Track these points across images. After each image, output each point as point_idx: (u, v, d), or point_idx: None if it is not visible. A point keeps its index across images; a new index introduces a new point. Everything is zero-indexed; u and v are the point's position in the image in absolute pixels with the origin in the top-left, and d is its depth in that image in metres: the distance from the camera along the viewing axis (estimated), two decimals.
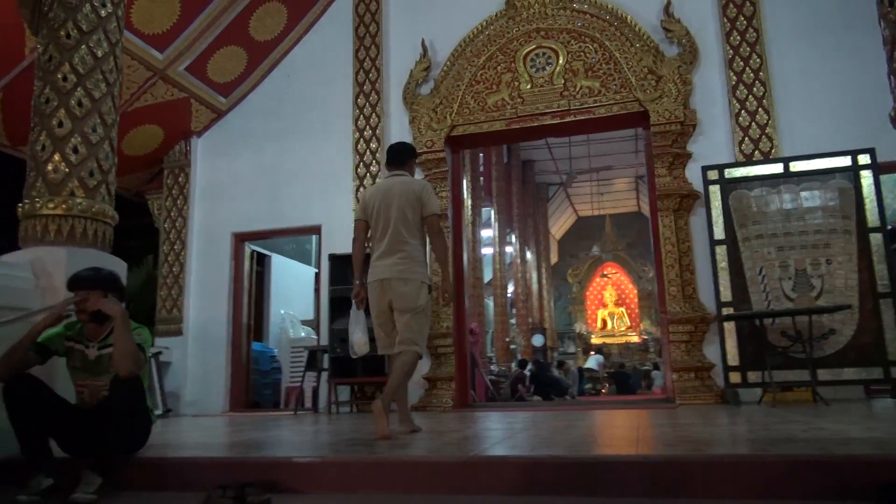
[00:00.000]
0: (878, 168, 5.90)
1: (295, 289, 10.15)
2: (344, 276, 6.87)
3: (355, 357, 4.07)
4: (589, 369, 15.78)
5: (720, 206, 6.17)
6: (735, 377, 5.88)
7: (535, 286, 17.99)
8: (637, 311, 22.54)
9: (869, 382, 5.76)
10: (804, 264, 5.93)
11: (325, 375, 7.19)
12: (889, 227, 5.92)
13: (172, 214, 8.05)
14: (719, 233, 6.13)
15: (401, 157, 4.14)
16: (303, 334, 9.00)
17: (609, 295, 22.54)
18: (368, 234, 4.08)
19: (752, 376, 5.83)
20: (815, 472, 2.14)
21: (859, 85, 6.41)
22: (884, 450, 2.31)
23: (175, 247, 7.94)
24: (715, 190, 6.21)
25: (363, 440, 3.42)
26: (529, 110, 7.15)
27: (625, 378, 16.81)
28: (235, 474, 2.62)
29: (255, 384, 8.35)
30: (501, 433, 3.65)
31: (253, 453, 3.06)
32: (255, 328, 8.72)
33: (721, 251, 6.10)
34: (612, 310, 22.48)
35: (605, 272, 22.30)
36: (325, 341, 7.16)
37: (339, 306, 6.74)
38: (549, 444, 3.01)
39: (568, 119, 7.08)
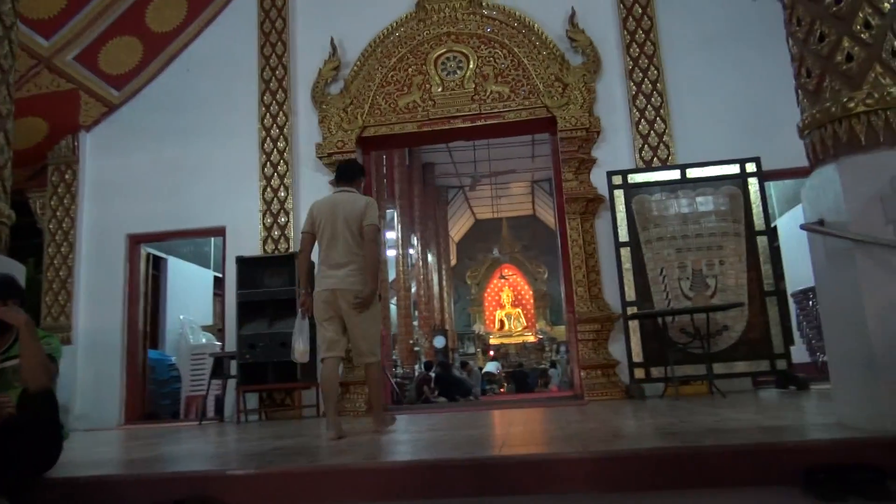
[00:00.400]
0: (762, 175, 6.38)
1: (193, 293, 9.69)
2: (252, 279, 6.64)
3: (297, 362, 4.36)
4: (488, 373, 16.06)
5: (624, 209, 6.46)
6: (640, 373, 6.17)
7: (436, 288, 18.11)
8: (533, 311, 23.22)
9: (757, 374, 6.21)
10: (700, 265, 6.32)
11: (231, 383, 6.91)
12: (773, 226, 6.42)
13: (59, 214, 7.45)
14: (623, 235, 6.42)
15: (351, 174, 4.35)
16: (203, 340, 8.59)
17: (506, 296, 23.09)
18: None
19: (655, 371, 6.14)
20: (745, 461, 2.29)
21: (746, 97, 6.90)
22: (802, 436, 2.50)
23: (62, 249, 7.35)
24: (619, 194, 6.50)
25: (293, 449, 3.30)
26: (441, 113, 7.19)
27: (523, 377, 17.26)
28: (165, 491, 2.47)
29: (151, 394, 7.87)
30: (439, 434, 3.63)
31: (178, 467, 2.88)
32: (150, 335, 8.23)
33: (625, 253, 6.39)
34: (509, 311, 23.01)
35: (503, 274, 22.79)
36: (231, 347, 6.88)
37: (248, 311, 6.50)
38: (501, 444, 3.03)
39: (479, 123, 7.18)
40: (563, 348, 18.84)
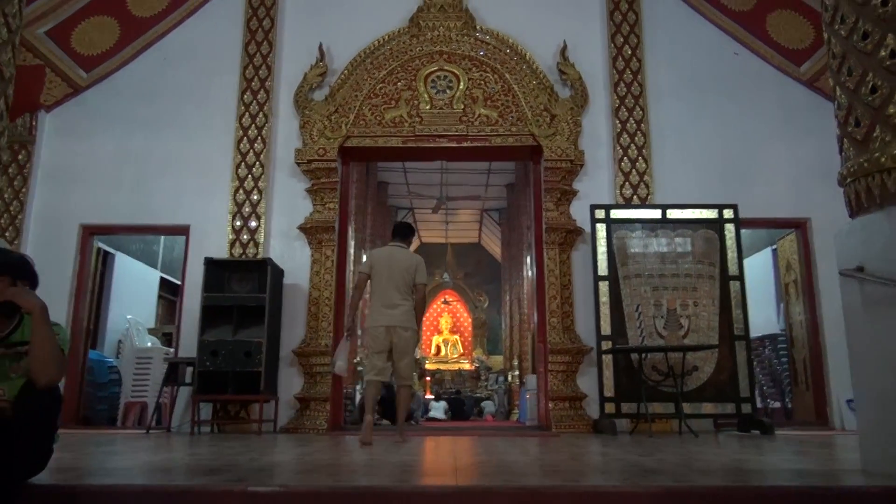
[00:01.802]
0: (739, 222, 6.57)
1: (137, 293, 9.15)
2: (220, 283, 6.31)
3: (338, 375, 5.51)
4: (433, 418, 15.71)
5: (605, 243, 6.50)
6: (610, 407, 6.16)
7: None
8: (471, 339, 23.19)
9: (724, 416, 6.30)
10: (675, 304, 6.41)
11: (183, 391, 6.51)
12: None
13: (7, 196, 6.90)
14: (603, 269, 6.46)
15: (405, 233, 5.50)
16: (149, 344, 8.09)
17: (445, 322, 23.00)
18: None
19: (626, 407, 6.15)
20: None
21: (723, 146, 7.14)
22: (837, 481, 2.48)
23: (6, 234, 6.80)
24: (601, 228, 6.54)
25: (316, 464, 3.07)
26: (427, 131, 7.10)
27: (460, 404, 17.12)
28: None
29: (87, 398, 7.32)
30: (443, 459, 3.47)
31: (178, 480, 2.62)
32: (92, 334, 7.69)
33: (604, 287, 6.42)
34: (446, 336, 22.91)
35: (446, 299, 22.73)
36: (187, 353, 6.49)
37: (213, 316, 6.15)
38: (516, 474, 2.89)
39: (464, 144, 7.13)
40: (500, 378, 18.84)
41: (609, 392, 6.21)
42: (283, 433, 6.33)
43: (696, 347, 6.01)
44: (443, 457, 3.62)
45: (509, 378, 17.41)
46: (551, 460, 3.35)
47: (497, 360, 21.79)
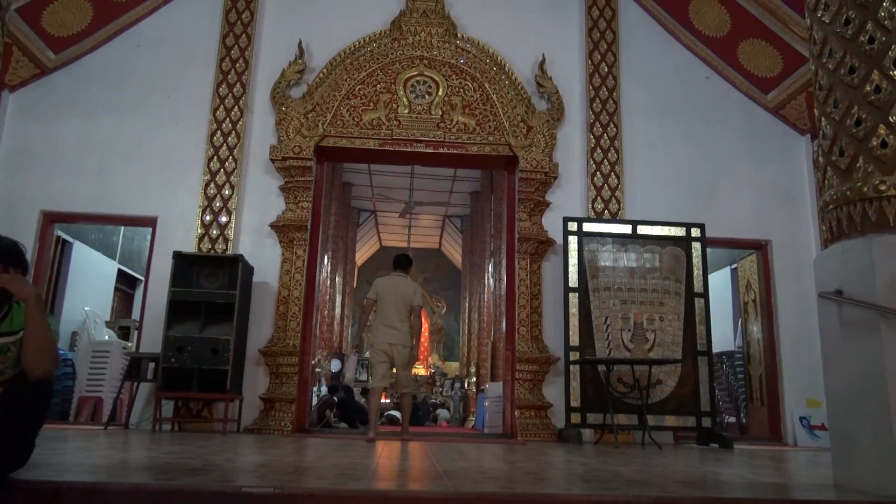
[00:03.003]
0: (705, 241, 6.75)
1: (95, 284, 8.88)
2: (188, 277, 6.17)
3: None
4: (391, 415, 15.67)
5: (577, 256, 6.60)
6: (576, 417, 6.25)
7: (338, 311, 17.71)
8: (427, 344, 23.18)
9: (685, 429, 6.46)
10: (642, 318, 6.55)
11: (143, 387, 6.34)
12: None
13: None
14: (574, 281, 6.55)
15: (406, 264, 6.51)
16: (106, 337, 7.85)
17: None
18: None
19: (591, 417, 6.25)
20: None
21: (691, 166, 7.34)
22: (839, 497, 2.58)
23: None
24: (573, 240, 6.64)
25: (300, 466, 3.03)
26: (405, 135, 7.11)
27: (415, 410, 17.09)
28: None
29: None
30: (424, 464, 3.46)
31: (160, 479, 2.56)
32: None
33: (574, 298, 6.51)
34: (419, 337, 22.82)
35: None
36: (149, 348, 6.33)
37: (180, 311, 6.01)
38: (496, 480, 2.92)
39: (441, 150, 7.16)
40: (456, 384, 18.88)
41: (575, 402, 6.29)
42: (246, 433, 6.23)
43: (661, 361, 6.16)
44: (421, 462, 3.61)
45: (465, 385, 17.46)
46: (530, 468, 3.38)
47: (452, 367, 21.85)
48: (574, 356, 6.35)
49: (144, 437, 5.14)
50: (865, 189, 2.89)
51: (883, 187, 2.85)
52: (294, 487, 2.37)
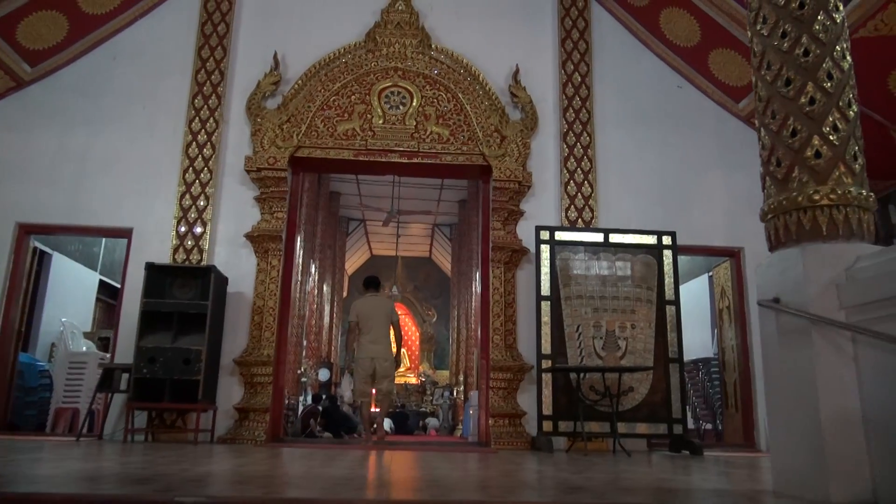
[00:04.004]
0: (676, 249, 6.81)
1: (75, 295, 8.90)
2: (161, 289, 6.20)
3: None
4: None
5: (549, 264, 6.65)
6: (547, 426, 6.28)
7: (327, 320, 17.71)
8: (417, 353, 23.19)
9: (656, 437, 6.49)
10: (614, 326, 6.59)
11: (117, 398, 6.36)
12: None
13: None
14: (546, 289, 6.60)
15: (377, 285, 7.37)
16: (84, 348, 7.87)
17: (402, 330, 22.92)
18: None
19: (563, 425, 6.28)
20: None
21: (664, 175, 7.41)
22: (757, 502, 2.62)
23: None
24: (545, 249, 6.70)
25: (224, 477, 3.06)
26: (379, 145, 7.17)
27: (404, 419, 17.09)
28: None
29: (15, 402, 7.05)
30: (377, 472, 3.49)
31: (107, 489, 2.59)
32: (24, 336, 7.43)
33: (546, 306, 6.56)
34: (402, 345, 22.84)
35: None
36: (123, 358, 6.35)
37: (152, 322, 6.04)
38: (476, 488, 2.95)
39: (415, 160, 7.22)
40: (446, 393, 18.87)
41: (547, 410, 6.33)
42: (220, 443, 6.24)
43: (632, 369, 6.20)
44: (377, 470, 3.65)
45: (454, 393, 17.47)
46: (481, 476, 3.42)
47: (443, 375, 21.83)
48: (546, 364, 6.39)
49: (111, 447, 5.16)
50: (800, 199, 2.95)
51: (816, 197, 2.91)
52: (226, 497, 2.41)
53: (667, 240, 6.82)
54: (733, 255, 7.49)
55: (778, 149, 3.10)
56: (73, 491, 2.49)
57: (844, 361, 2.72)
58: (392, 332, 7.04)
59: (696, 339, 8.77)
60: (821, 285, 2.79)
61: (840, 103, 2.99)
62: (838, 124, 2.96)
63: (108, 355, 7.61)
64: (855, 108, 3.03)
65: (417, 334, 23.45)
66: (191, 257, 6.79)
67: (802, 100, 3.02)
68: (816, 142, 2.96)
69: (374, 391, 6.98)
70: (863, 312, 2.70)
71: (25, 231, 6.93)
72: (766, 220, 3.17)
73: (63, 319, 8.00)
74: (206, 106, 7.17)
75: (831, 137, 2.94)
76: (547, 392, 6.37)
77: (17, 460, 3.68)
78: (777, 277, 3.01)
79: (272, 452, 5.18)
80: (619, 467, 4.26)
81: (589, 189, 7.28)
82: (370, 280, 7.37)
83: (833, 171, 2.93)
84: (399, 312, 23.46)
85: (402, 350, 7.66)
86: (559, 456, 5.57)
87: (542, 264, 6.66)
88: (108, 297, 9.88)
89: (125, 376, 6.16)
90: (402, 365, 7.84)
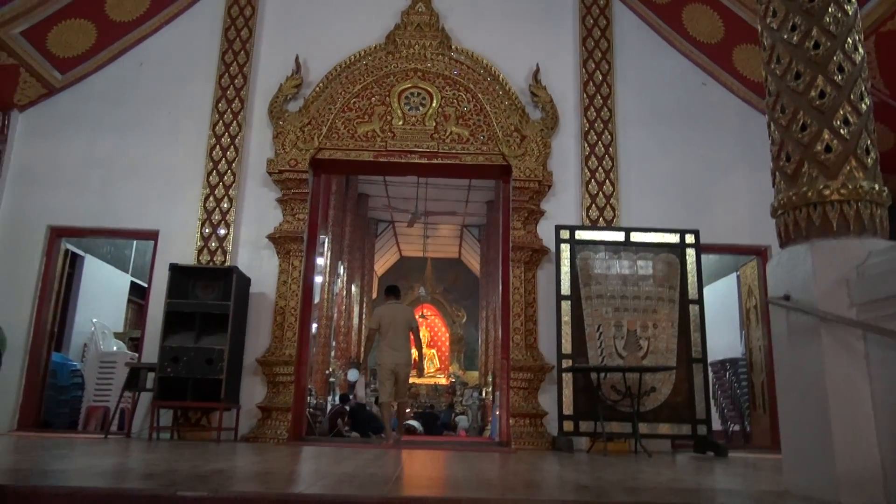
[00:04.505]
0: (700, 248, 6.70)
1: (106, 297, 9.13)
2: (185, 290, 6.33)
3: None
4: (410, 426, 15.73)
5: (569, 264, 6.61)
6: (568, 425, 6.24)
7: (356, 320, 17.85)
8: (447, 354, 23.22)
9: (679, 437, 6.40)
10: (635, 326, 6.52)
11: (144, 397, 6.50)
12: None
13: None
14: (566, 289, 6.55)
15: (398, 293, 7.64)
16: (115, 348, 8.07)
17: (422, 336, 22.96)
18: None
19: (584, 426, 6.23)
20: None
21: (687, 173, 7.30)
22: (759, 502, 2.57)
23: None
24: (566, 248, 6.65)
25: (234, 473, 3.11)
26: (399, 146, 7.21)
27: (433, 420, 17.11)
28: None
29: (48, 401, 7.27)
30: (383, 471, 3.52)
31: (109, 483, 2.65)
32: (56, 336, 7.65)
33: (566, 306, 6.51)
34: (423, 350, 22.88)
35: (423, 313, 22.75)
36: (149, 358, 6.49)
37: (176, 322, 6.17)
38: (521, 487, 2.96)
39: (435, 161, 7.23)
40: (475, 394, 18.85)
41: (568, 410, 6.29)
42: (243, 442, 6.34)
43: (653, 368, 6.12)
44: (384, 469, 3.67)
45: (483, 394, 17.45)
46: (487, 476, 3.41)
47: (473, 376, 21.82)
48: (567, 364, 6.34)
49: (136, 445, 5.28)
50: (810, 194, 2.88)
51: (826, 192, 2.84)
52: (229, 491, 2.44)
53: (690, 238, 6.72)
54: (759, 253, 7.35)
55: (787, 144, 3.03)
56: (80, 485, 2.56)
57: (855, 360, 2.65)
58: (412, 339, 7.40)
59: (724, 340, 8.61)
60: (830, 282, 2.73)
61: (851, 96, 2.91)
62: (849, 118, 2.88)
63: (137, 355, 7.78)
64: (868, 101, 2.96)
65: (447, 335, 23.49)
66: (215, 259, 6.91)
67: (812, 93, 2.95)
68: (826, 136, 2.89)
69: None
70: (874, 310, 2.62)
71: (57, 234, 7.14)
72: (776, 216, 3.11)
73: (94, 320, 8.22)
74: (229, 110, 7.30)
75: (842, 131, 2.87)
76: (567, 392, 6.33)
77: (40, 457, 3.78)
78: (786, 275, 2.95)
79: (291, 451, 5.24)
80: (634, 468, 4.21)
81: (610, 188, 7.21)
82: (391, 289, 7.63)
83: (844, 166, 2.85)
84: (428, 313, 23.50)
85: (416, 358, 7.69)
86: (579, 456, 5.53)
87: (562, 264, 6.61)
88: (139, 298, 10.10)
89: (151, 375, 6.30)
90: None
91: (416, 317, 7.61)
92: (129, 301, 9.93)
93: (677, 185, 7.27)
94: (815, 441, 2.69)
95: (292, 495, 2.37)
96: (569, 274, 6.59)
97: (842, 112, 2.88)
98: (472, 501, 2.36)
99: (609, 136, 7.35)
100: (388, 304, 7.40)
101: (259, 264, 6.97)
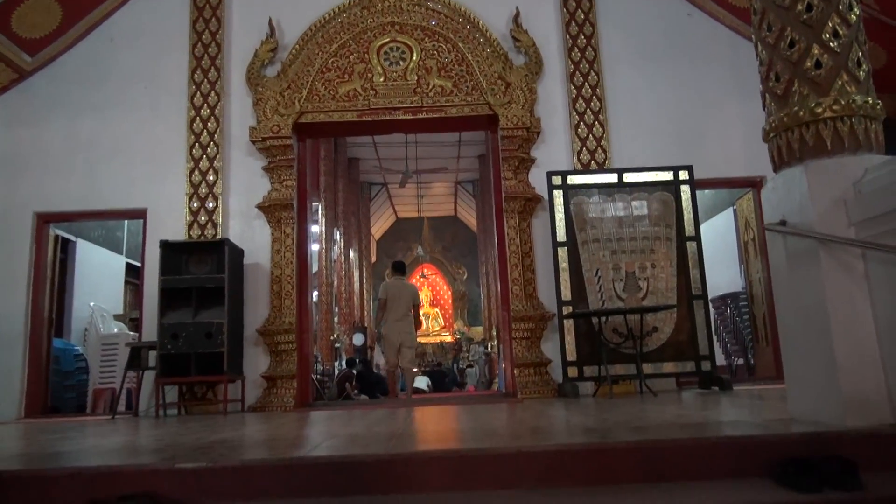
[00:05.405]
0: (694, 184, 6.61)
1: (102, 280, 9.08)
2: (178, 266, 6.26)
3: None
4: (418, 388, 15.86)
5: (563, 210, 6.52)
6: (573, 371, 6.24)
7: (356, 285, 17.85)
8: (451, 311, 23.31)
9: (683, 375, 6.41)
10: (633, 267, 6.47)
11: (148, 375, 6.49)
12: None
13: None
14: (561, 235, 6.48)
15: (403, 270, 8.51)
16: (115, 330, 8.05)
17: (425, 296, 23.06)
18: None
19: (588, 370, 6.24)
20: (715, 453, 2.29)
21: (677, 108, 7.15)
22: (765, 431, 2.55)
23: None
24: (558, 195, 6.56)
25: (237, 442, 3.09)
26: (382, 104, 7.05)
27: (441, 377, 17.25)
28: (107, 487, 2.24)
29: (54, 386, 7.28)
30: (383, 429, 3.50)
31: (111, 461, 2.63)
32: (56, 323, 7.62)
33: (563, 253, 6.45)
34: (427, 310, 22.98)
35: (423, 273, 22.77)
36: (149, 337, 6.46)
37: (171, 299, 6.12)
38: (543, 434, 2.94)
39: (420, 116, 7.08)
40: (480, 348, 18.98)
41: (571, 356, 6.28)
42: (250, 412, 6.36)
43: (653, 308, 6.09)
44: (389, 427, 3.65)
45: (489, 348, 17.56)
46: (493, 425, 3.40)
47: (478, 331, 21.95)
48: (567, 311, 6.32)
49: (142, 423, 5.29)
50: (802, 113, 2.80)
51: (819, 109, 2.76)
52: (228, 460, 2.42)
53: (683, 174, 6.62)
54: (754, 184, 7.26)
55: (776, 63, 2.93)
56: (81, 464, 2.53)
57: (855, 280, 2.60)
58: (412, 313, 8.14)
59: (725, 275, 8.58)
60: (827, 203, 2.66)
61: (840, 7, 2.80)
62: (839, 30, 2.77)
63: (138, 335, 7.76)
64: (857, 10, 2.84)
65: (450, 293, 23.54)
66: (206, 232, 6.83)
67: (798, 7, 2.84)
68: (816, 51, 2.79)
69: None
70: (873, 227, 2.56)
71: (44, 220, 7.04)
72: (768, 140, 3.02)
73: (91, 304, 8.17)
74: (206, 80, 7.12)
75: (832, 45, 2.77)
76: (570, 338, 6.31)
77: (43, 441, 3.77)
78: (782, 199, 2.88)
79: (296, 417, 5.25)
80: (639, 408, 4.20)
81: (600, 130, 7.08)
82: (397, 265, 8.47)
83: (835, 81, 2.76)
84: (429, 273, 23.56)
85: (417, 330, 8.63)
86: (585, 401, 5.54)
87: (556, 210, 6.53)
88: (136, 278, 10.04)
89: (153, 354, 6.28)
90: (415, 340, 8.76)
91: (419, 292, 8.50)
92: (127, 282, 9.88)
93: (668, 121, 7.13)
94: (818, 366, 2.66)
95: (286, 459, 2.34)
96: (563, 220, 6.51)
97: (830, 24, 2.78)
98: (475, 451, 2.33)
99: (595, 77, 7.18)
100: (394, 280, 8.27)
101: (251, 235, 6.89)
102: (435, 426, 3.63)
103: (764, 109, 3.07)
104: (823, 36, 2.78)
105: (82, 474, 2.36)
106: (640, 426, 2.91)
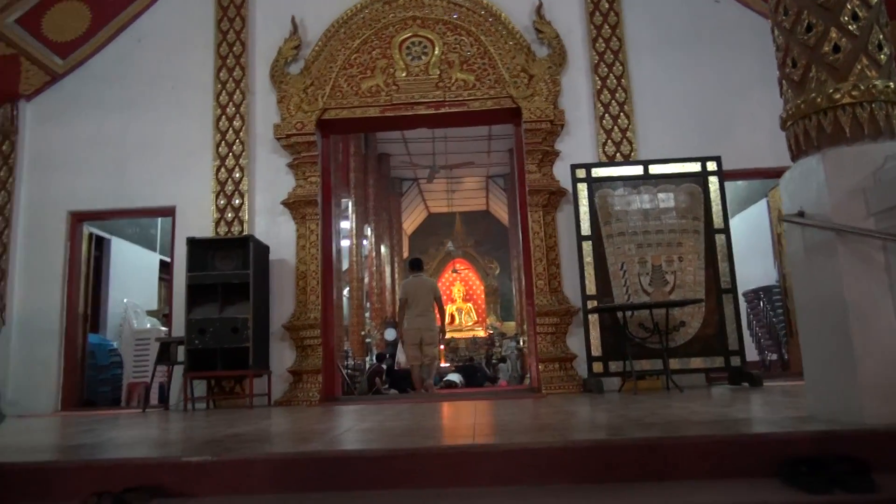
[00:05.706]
0: (722, 175, 6.45)
1: (137, 276, 9.28)
2: (204, 262, 6.35)
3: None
4: (450, 381, 15.89)
5: (587, 203, 6.43)
6: (598, 367, 6.16)
7: (388, 280, 17.93)
8: (483, 306, 23.25)
9: (712, 371, 6.27)
10: (660, 261, 6.35)
11: (177, 370, 6.61)
12: None
13: None
14: (586, 229, 6.39)
15: (420, 266, 8.56)
16: (148, 325, 8.23)
17: (457, 290, 23.06)
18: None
19: (613, 366, 6.15)
20: (725, 451, 2.23)
21: (705, 98, 6.98)
22: (779, 429, 2.47)
23: None
24: (583, 188, 6.47)
25: (250, 436, 3.12)
26: (404, 98, 7.04)
27: (472, 372, 17.23)
28: (113, 479, 2.27)
29: (90, 380, 7.48)
30: (396, 425, 3.50)
31: (124, 454, 2.68)
32: (91, 319, 7.82)
33: (587, 246, 6.36)
34: (459, 305, 22.99)
35: (455, 268, 22.75)
36: (178, 332, 6.58)
37: (199, 294, 6.21)
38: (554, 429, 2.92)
39: (442, 110, 7.05)
40: (512, 343, 18.89)
41: (596, 351, 6.20)
42: (276, 406, 6.43)
43: (679, 303, 5.97)
44: (404, 422, 3.65)
45: (521, 343, 17.47)
46: (507, 420, 3.37)
47: (510, 326, 21.84)
48: (592, 305, 6.23)
49: (171, 417, 5.39)
50: (819, 99, 2.70)
51: (837, 95, 2.65)
52: (232, 454, 2.44)
53: (711, 165, 6.46)
54: None
55: (793, 48, 2.83)
56: (89, 458, 2.59)
57: (874, 273, 2.50)
58: (436, 307, 8.12)
59: (758, 268, 8.37)
60: (845, 192, 2.56)
61: None
62: (858, 12, 2.66)
63: (168, 330, 7.92)
64: None
65: (482, 288, 23.47)
66: (232, 229, 6.92)
67: None
68: (834, 34, 2.68)
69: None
70: (894, 217, 2.46)
71: (77, 219, 7.21)
72: (785, 129, 2.92)
73: (125, 300, 8.37)
74: (231, 78, 7.20)
75: (850, 27, 2.66)
76: (595, 333, 6.23)
77: (68, 433, 3.87)
78: (799, 190, 2.79)
79: (320, 411, 5.28)
80: (661, 403, 4.12)
81: (626, 121, 6.95)
82: (413, 263, 8.61)
83: (854, 66, 2.65)
84: (461, 268, 23.49)
85: (443, 324, 8.53)
86: (610, 396, 5.47)
87: (580, 203, 6.44)
88: (169, 275, 10.26)
89: (181, 348, 6.39)
90: (445, 334, 8.91)
91: (439, 285, 8.56)
92: (161, 279, 10.08)
93: (695, 111, 6.96)
94: (836, 361, 2.57)
95: (287, 454, 2.35)
96: (588, 213, 6.42)
97: (849, 6, 2.67)
98: (475, 448, 2.31)
99: (620, 67, 7.05)
100: (412, 277, 8.29)
101: (277, 231, 6.96)
102: (449, 422, 3.62)
103: (781, 97, 2.96)
104: (842, 18, 2.67)
105: (89, 467, 2.41)
106: (652, 423, 2.84)
